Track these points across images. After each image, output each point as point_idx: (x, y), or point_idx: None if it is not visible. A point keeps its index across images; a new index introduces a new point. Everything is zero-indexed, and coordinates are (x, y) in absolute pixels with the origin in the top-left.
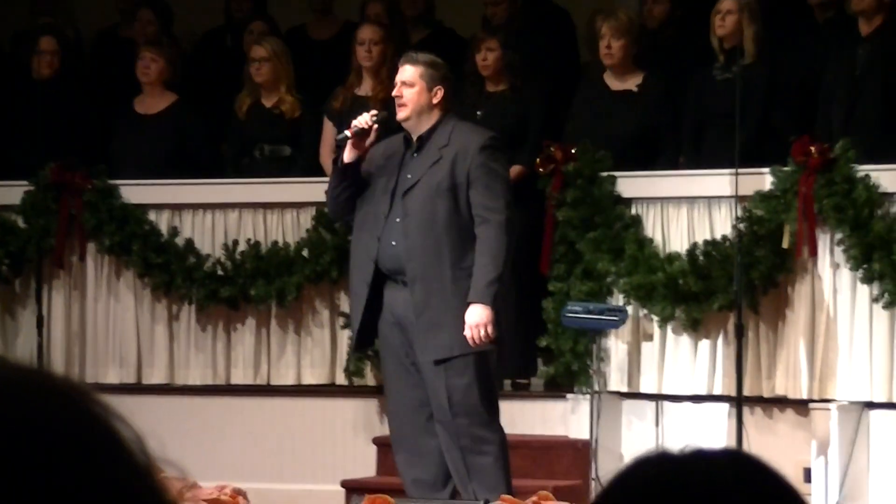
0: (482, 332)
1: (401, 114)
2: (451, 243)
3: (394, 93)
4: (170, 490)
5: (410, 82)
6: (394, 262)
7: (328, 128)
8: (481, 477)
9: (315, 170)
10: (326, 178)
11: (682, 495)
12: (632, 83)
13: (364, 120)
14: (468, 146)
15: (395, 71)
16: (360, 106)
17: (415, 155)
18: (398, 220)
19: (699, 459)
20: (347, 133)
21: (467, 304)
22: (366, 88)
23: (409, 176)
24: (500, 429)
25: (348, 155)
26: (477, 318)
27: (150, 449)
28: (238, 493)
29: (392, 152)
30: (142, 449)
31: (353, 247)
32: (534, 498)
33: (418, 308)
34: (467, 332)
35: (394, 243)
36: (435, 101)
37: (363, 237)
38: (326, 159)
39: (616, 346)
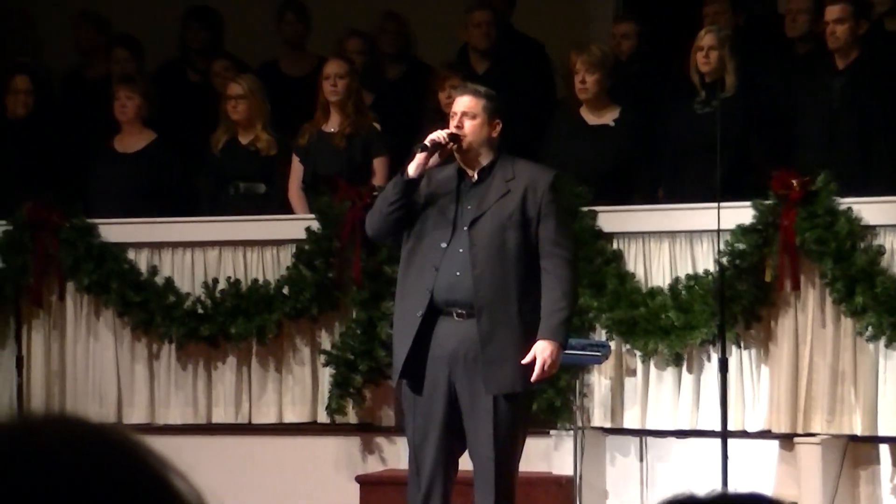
0: (548, 369)
1: (463, 144)
2: (518, 277)
3: (453, 123)
4: None
5: (473, 114)
6: (454, 292)
7: (296, 164)
8: None
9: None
10: (305, 216)
11: None
12: (608, 117)
13: (441, 135)
14: (538, 181)
15: (360, 106)
16: (326, 142)
17: (474, 187)
18: (461, 250)
19: (725, 502)
20: (427, 143)
21: (535, 340)
22: (332, 124)
23: (469, 207)
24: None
25: (415, 170)
26: (549, 355)
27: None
28: None
29: (442, 183)
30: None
31: (403, 277)
32: None
33: (484, 339)
34: (537, 366)
35: (458, 273)
36: (494, 134)
37: (416, 266)
38: (295, 195)
39: (599, 381)
